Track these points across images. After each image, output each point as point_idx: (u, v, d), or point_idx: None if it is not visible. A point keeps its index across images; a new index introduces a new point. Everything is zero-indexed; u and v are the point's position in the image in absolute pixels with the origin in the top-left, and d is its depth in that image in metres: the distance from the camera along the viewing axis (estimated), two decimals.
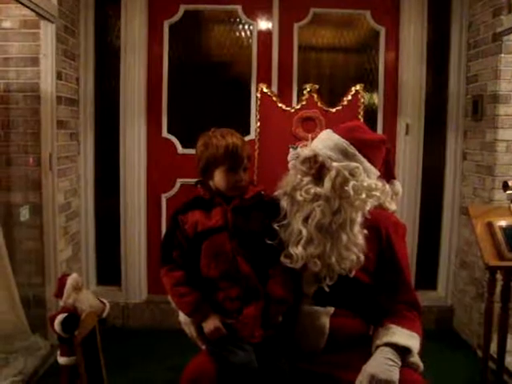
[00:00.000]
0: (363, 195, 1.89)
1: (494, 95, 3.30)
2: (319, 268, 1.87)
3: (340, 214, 1.87)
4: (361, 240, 1.88)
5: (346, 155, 1.92)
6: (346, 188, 1.87)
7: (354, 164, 1.90)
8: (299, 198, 1.91)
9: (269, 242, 1.93)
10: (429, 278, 3.99)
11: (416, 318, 1.93)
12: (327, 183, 1.88)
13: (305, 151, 1.99)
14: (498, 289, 2.73)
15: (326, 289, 1.89)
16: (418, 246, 3.87)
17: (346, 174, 1.88)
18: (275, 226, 1.95)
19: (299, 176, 1.96)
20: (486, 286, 2.84)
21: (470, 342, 3.55)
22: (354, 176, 1.89)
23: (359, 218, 1.89)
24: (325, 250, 1.87)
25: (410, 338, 1.84)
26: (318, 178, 1.93)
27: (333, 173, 1.89)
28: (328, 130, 2.04)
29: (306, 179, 1.94)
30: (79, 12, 3.65)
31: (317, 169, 1.94)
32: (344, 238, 1.87)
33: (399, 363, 1.78)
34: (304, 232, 1.88)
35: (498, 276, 2.73)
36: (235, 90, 3.86)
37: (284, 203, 1.97)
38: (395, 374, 1.74)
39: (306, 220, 1.90)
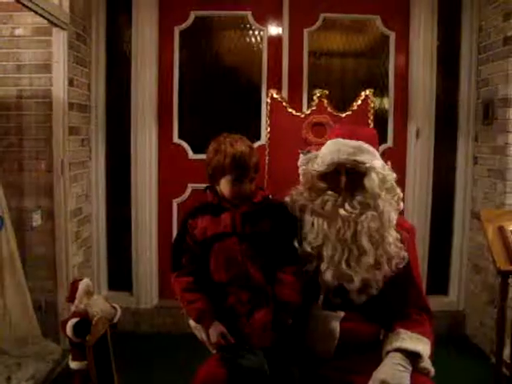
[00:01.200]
0: (398, 190, 1.91)
1: (504, 99, 3.28)
2: (356, 286, 1.86)
3: (383, 216, 1.86)
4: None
5: (370, 154, 1.90)
6: (389, 185, 1.88)
7: (379, 161, 1.91)
8: (344, 213, 1.85)
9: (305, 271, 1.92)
10: (440, 282, 3.97)
11: (426, 322, 1.93)
12: (371, 184, 1.85)
13: (320, 168, 1.92)
14: (511, 294, 2.71)
15: (354, 298, 1.89)
16: (429, 250, 3.85)
17: (381, 171, 1.88)
18: (308, 249, 1.90)
19: (329, 192, 1.90)
20: (498, 291, 2.82)
21: (483, 348, 3.53)
22: (385, 172, 1.90)
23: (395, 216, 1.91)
24: (378, 254, 1.86)
25: (419, 343, 1.83)
26: (354, 188, 1.89)
27: (372, 174, 1.86)
28: (336, 140, 1.97)
29: (340, 193, 1.89)
30: (91, 19, 3.68)
31: (347, 179, 1.89)
32: (389, 237, 1.87)
33: (410, 368, 1.77)
34: (355, 251, 1.85)
35: (511, 281, 2.71)
36: (246, 95, 3.87)
37: (316, 224, 1.91)
38: (406, 380, 1.73)
39: (354, 234, 1.86)
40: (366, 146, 1.90)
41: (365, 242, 1.85)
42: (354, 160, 1.87)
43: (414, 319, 1.90)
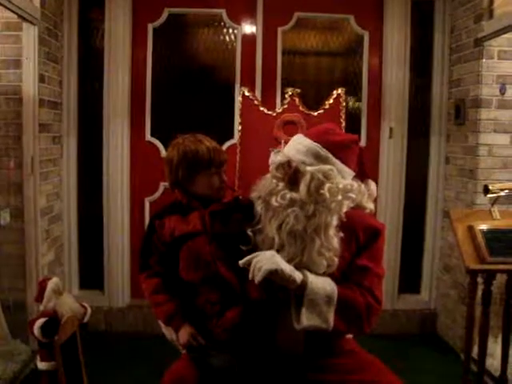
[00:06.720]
0: (339, 197, 1.87)
1: (475, 99, 3.33)
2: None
3: (315, 219, 1.84)
4: (336, 243, 1.84)
5: (319, 158, 1.90)
6: (322, 191, 1.85)
7: (327, 166, 1.88)
8: (275, 203, 1.88)
9: (243, 247, 1.91)
10: (412, 281, 4.01)
11: (363, 298, 1.83)
12: (303, 188, 1.86)
13: (278, 157, 1.97)
14: (480, 292, 2.75)
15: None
16: (401, 249, 3.88)
17: (321, 177, 1.86)
18: (249, 231, 1.92)
19: (274, 181, 1.94)
20: (467, 289, 2.85)
21: (454, 346, 3.57)
22: (329, 178, 1.87)
23: (335, 222, 1.87)
24: (295, 256, 1.83)
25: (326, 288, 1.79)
26: (294, 183, 1.90)
27: (307, 177, 1.86)
28: (299, 135, 2.01)
29: (281, 184, 1.92)
30: (62, 14, 3.63)
31: (291, 174, 1.92)
32: (317, 242, 1.83)
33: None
34: (276, 239, 1.86)
35: (479, 280, 2.75)
36: (219, 93, 3.86)
37: (258, 208, 1.95)
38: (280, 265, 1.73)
39: (279, 227, 1.86)
40: (324, 151, 1.90)
41: (284, 236, 1.85)
42: (299, 159, 1.90)
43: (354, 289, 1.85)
